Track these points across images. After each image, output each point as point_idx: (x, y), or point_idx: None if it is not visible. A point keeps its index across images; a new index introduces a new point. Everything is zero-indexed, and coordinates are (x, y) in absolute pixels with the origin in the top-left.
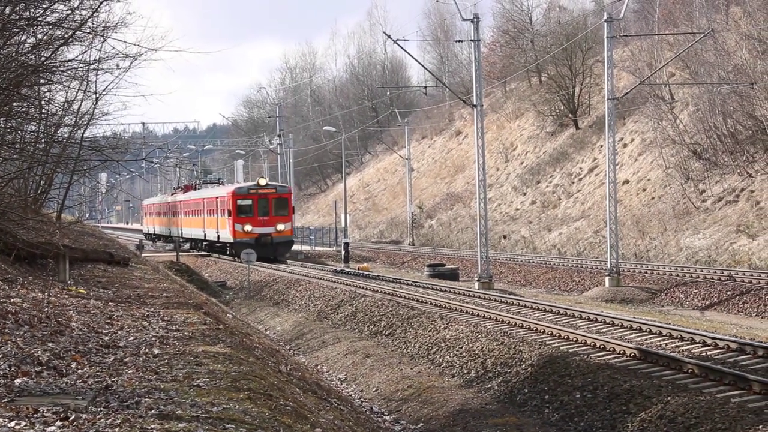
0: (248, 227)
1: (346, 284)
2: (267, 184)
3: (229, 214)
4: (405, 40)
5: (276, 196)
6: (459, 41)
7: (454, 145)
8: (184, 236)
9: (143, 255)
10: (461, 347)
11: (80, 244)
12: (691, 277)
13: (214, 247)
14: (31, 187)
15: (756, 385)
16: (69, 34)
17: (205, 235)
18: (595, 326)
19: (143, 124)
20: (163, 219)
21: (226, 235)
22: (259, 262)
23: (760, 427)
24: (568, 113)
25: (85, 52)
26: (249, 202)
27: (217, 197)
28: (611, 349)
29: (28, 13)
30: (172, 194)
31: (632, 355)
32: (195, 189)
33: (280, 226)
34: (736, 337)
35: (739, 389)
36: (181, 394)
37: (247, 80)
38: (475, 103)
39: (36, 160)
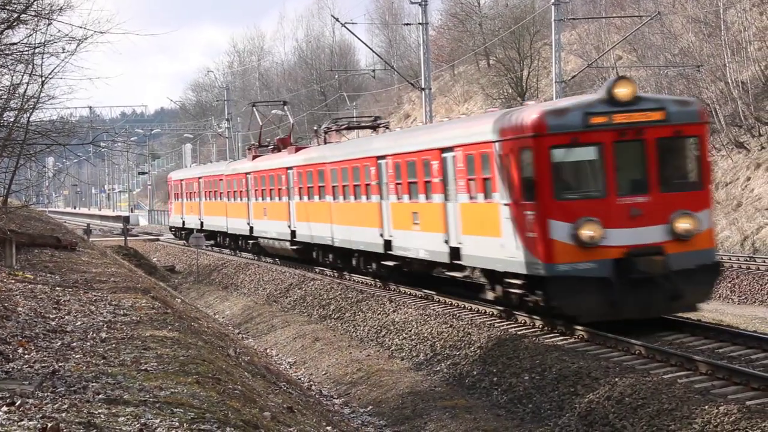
0: (592, 231)
1: (296, 268)
2: (638, 98)
3: (528, 192)
4: (353, 23)
5: (669, 130)
6: (407, 24)
7: None
8: (298, 238)
9: (91, 239)
10: (410, 330)
11: (27, 229)
12: None
13: (430, 273)
14: None
15: (702, 366)
16: (14, 17)
17: (390, 242)
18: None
19: (90, 108)
20: (229, 205)
21: (511, 252)
22: (610, 328)
23: (706, 407)
24: (517, 96)
25: (31, 35)
26: (591, 153)
27: (464, 146)
28: (559, 331)
29: None
30: (253, 157)
31: (580, 336)
32: (325, 142)
33: (683, 224)
34: (684, 318)
35: (686, 370)
36: (129, 378)
37: (195, 64)
38: (423, 87)
39: None
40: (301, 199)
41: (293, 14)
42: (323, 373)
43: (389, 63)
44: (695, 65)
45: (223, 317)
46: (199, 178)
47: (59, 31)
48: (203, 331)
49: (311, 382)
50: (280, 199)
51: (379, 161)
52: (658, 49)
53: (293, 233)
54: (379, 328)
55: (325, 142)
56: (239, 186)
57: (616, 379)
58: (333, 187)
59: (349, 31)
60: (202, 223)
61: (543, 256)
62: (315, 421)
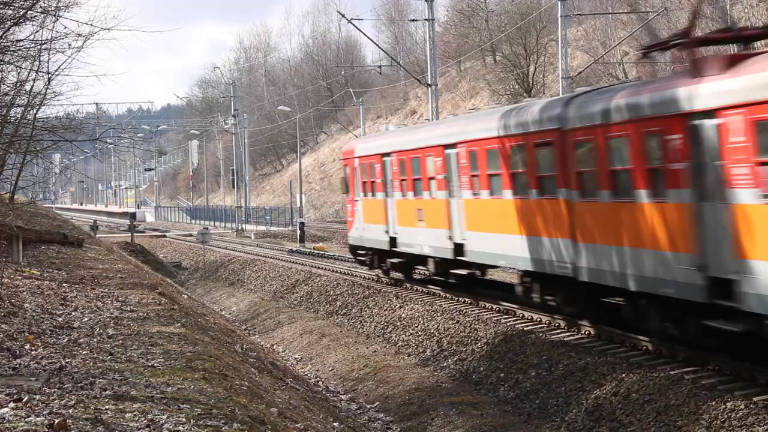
0: None
1: (302, 264)
2: None
3: None
4: (359, 19)
5: None
6: (413, 20)
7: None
8: None
9: (98, 236)
10: (417, 326)
11: (34, 225)
12: None
13: None
14: None
15: (709, 361)
16: (20, 13)
17: None
18: None
19: (97, 104)
20: (581, 208)
21: None
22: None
23: (713, 403)
24: (523, 92)
25: (37, 31)
26: None
27: None
28: (566, 327)
29: None
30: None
31: (587, 332)
32: None
33: None
34: None
35: (693, 366)
36: (136, 374)
37: (199, 60)
38: (429, 83)
39: None
40: None
41: (299, 10)
42: (330, 369)
43: (395, 59)
44: None
45: (229, 313)
46: (446, 146)
47: (66, 27)
48: (210, 327)
49: (318, 378)
50: None
51: None
52: None
53: None
54: (385, 324)
55: None
56: (642, 160)
57: (623, 375)
58: None
59: (356, 27)
60: (458, 247)
61: None
62: (322, 417)
